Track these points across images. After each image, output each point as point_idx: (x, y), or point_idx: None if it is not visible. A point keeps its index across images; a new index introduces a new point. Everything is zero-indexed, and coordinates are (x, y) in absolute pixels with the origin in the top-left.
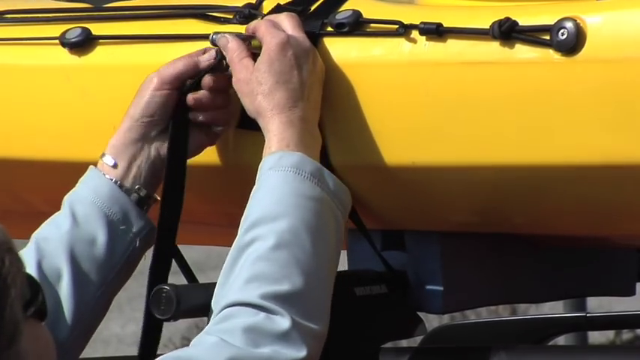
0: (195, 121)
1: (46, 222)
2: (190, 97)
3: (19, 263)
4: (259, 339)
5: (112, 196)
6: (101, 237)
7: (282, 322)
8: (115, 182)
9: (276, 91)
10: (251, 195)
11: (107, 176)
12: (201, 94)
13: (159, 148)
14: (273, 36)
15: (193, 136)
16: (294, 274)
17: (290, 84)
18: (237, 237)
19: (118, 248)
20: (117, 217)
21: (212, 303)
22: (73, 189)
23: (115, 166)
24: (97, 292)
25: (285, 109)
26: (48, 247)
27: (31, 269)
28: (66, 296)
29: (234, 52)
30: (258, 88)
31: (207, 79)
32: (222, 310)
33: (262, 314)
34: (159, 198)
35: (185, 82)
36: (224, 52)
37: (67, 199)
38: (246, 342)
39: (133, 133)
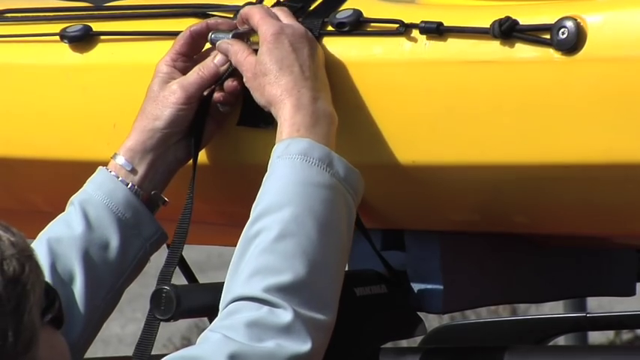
0: (216, 115)
1: (54, 222)
2: (218, 96)
3: (38, 270)
4: (262, 333)
5: (126, 201)
6: (114, 241)
7: (285, 314)
8: (131, 187)
9: (282, 77)
10: (262, 184)
11: (121, 179)
12: (225, 93)
13: (177, 152)
14: (267, 26)
15: (208, 129)
16: (298, 264)
17: (294, 67)
18: (245, 228)
19: (130, 253)
20: (130, 223)
21: (222, 297)
22: (82, 189)
23: (132, 171)
24: (106, 295)
25: (294, 92)
26: (61, 249)
27: (44, 270)
28: (78, 299)
29: (236, 54)
30: (264, 79)
31: (229, 82)
32: (228, 305)
33: (265, 308)
34: (167, 200)
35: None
36: (228, 56)
37: (77, 199)
38: (249, 337)
39: (155, 141)
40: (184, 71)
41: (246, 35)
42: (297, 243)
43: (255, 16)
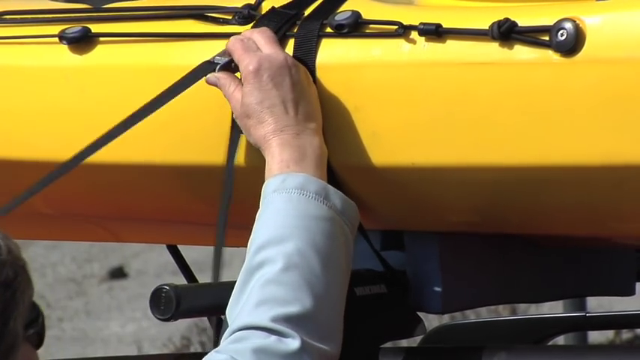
0: None
1: None
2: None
3: (29, 283)
4: None
5: None
6: None
7: (293, 343)
8: None
9: (264, 119)
10: (256, 218)
11: None
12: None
13: None
14: (247, 62)
15: None
16: (304, 295)
17: (275, 106)
18: (246, 260)
19: None
20: None
21: (224, 320)
22: None
23: None
24: None
25: (277, 132)
26: None
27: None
28: None
29: (224, 87)
30: (248, 121)
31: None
32: (234, 333)
33: (273, 337)
34: None
35: None
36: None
37: None
38: None
39: None
40: None
41: (233, 62)
42: (301, 275)
43: (237, 51)
